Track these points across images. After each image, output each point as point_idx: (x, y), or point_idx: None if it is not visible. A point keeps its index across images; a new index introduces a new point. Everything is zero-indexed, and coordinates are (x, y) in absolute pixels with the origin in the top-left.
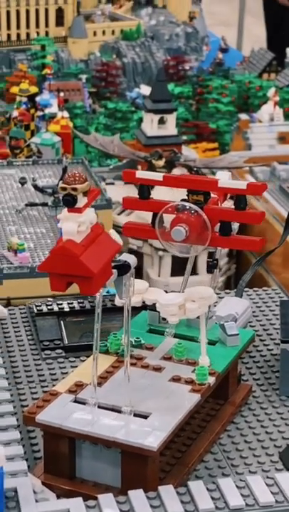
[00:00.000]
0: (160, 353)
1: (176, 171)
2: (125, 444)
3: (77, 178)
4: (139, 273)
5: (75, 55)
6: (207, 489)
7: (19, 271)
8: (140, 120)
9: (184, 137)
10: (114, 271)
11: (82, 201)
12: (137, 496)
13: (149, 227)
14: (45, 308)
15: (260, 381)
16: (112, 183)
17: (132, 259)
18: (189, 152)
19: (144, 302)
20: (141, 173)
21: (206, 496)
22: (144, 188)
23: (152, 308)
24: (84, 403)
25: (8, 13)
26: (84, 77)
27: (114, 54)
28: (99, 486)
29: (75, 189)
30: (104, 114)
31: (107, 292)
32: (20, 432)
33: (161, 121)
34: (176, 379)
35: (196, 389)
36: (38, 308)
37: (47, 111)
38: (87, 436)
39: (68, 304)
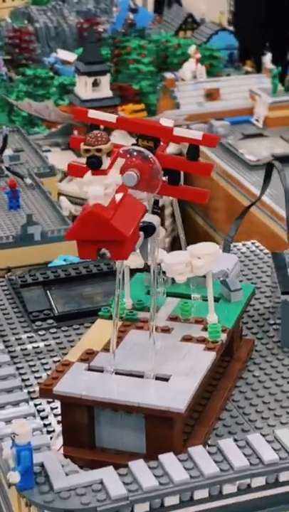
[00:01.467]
0: (165, 313)
1: (116, 134)
2: (151, 408)
3: (99, 139)
4: None
5: None
6: (238, 446)
7: None
8: (60, 86)
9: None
10: (141, 233)
11: (106, 162)
12: (168, 459)
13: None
14: (29, 279)
15: (259, 335)
16: (49, 150)
17: (156, 220)
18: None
19: (146, 263)
20: (93, 113)
21: (238, 453)
22: (94, 129)
23: (149, 269)
24: (98, 371)
25: None
26: None
27: (26, 19)
28: (122, 454)
29: (99, 150)
30: (23, 82)
31: (64, 260)
32: None
33: (95, 84)
34: (187, 339)
35: (210, 347)
36: (21, 279)
37: None
38: (110, 404)
39: (53, 272)
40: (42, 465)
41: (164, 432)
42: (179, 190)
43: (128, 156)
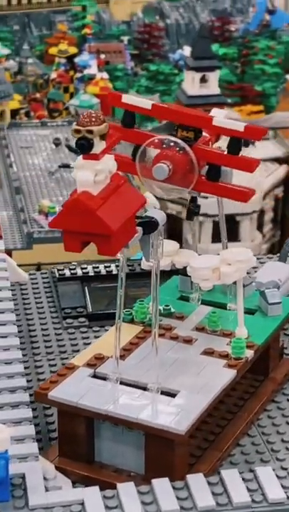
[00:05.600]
0: (192, 322)
1: None
2: (149, 426)
3: (93, 119)
4: (180, 240)
5: (117, 16)
6: (243, 479)
7: (50, 235)
8: (181, 82)
9: (229, 100)
10: (139, 229)
11: (99, 146)
12: (161, 485)
13: (129, 160)
14: (67, 273)
15: None
16: None
17: (160, 216)
18: (233, 115)
19: (174, 265)
20: (127, 98)
21: (241, 487)
22: (129, 115)
23: (184, 272)
24: (104, 378)
25: None
26: (126, 38)
27: (158, 15)
28: (120, 473)
29: (90, 131)
30: (146, 77)
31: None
32: (35, 409)
33: (203, 80)
34: (209, 352)
35: (231, 364)
36: (60, 272)
37: (86, 72)
38: (107, 416)
39: (93, 268)
40: (23, 477)
41: (164, 453)
42: (217, 187)
43: (162, 146)
